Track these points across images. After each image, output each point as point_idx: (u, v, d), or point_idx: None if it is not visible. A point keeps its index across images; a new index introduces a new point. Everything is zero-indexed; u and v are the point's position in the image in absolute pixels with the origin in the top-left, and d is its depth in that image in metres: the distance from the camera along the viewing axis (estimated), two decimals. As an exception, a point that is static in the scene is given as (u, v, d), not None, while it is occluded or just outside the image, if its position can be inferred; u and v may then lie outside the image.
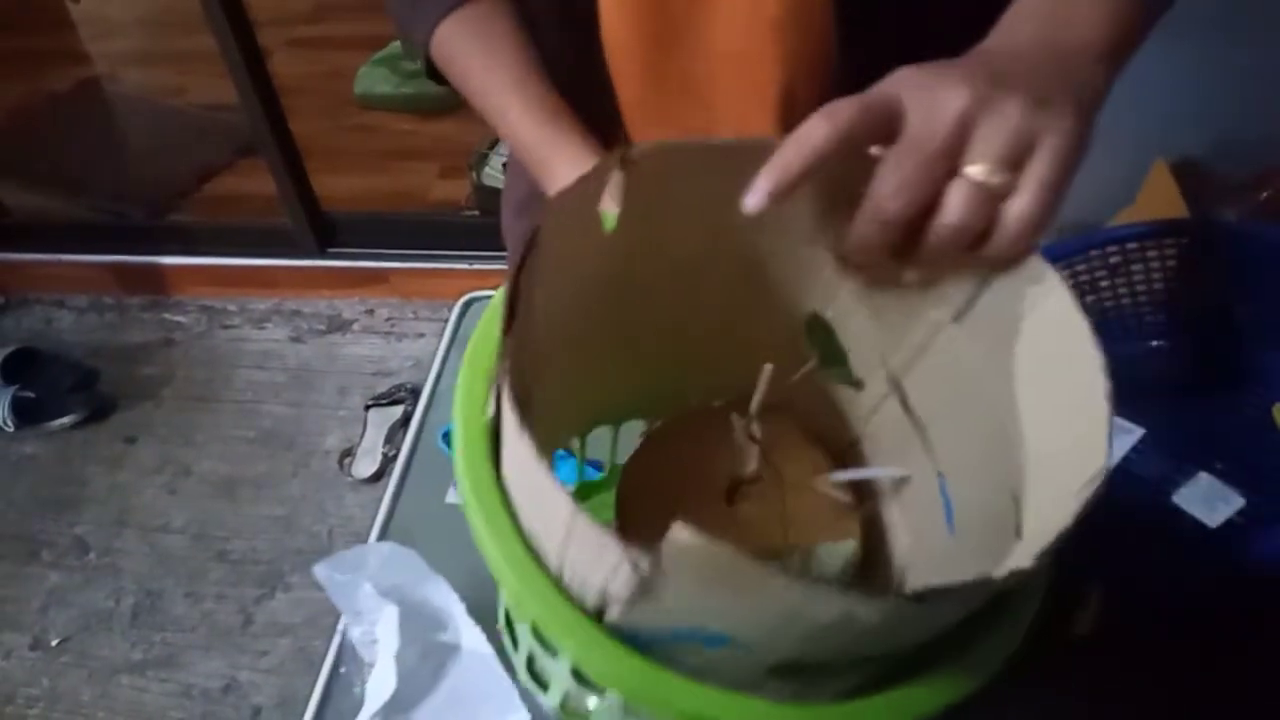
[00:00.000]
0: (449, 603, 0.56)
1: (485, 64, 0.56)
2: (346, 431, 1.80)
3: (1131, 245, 0.67)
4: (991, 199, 0.35)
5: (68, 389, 1.87)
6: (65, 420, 1.85)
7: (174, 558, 1.64)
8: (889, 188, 0.36)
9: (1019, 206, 0.35)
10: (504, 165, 1.20)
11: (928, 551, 0.48)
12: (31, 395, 1.85)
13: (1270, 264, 0.61)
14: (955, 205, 0.35)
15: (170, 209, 2.21)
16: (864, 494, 0.52)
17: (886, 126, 0.36)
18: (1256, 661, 0.51)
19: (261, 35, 1.82)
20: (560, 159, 0.53)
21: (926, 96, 0.35)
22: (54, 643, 1.55)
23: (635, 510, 0.51)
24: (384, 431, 1.74)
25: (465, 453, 0.39)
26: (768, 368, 0.49)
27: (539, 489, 0.35)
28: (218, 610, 1.56)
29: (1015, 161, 0.35)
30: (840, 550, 0.49)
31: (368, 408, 1.80)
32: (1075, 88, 0.36)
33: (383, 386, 1.84)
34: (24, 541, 1.70)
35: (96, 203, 2.22)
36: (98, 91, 2.59)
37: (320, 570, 0.54)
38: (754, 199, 0.36)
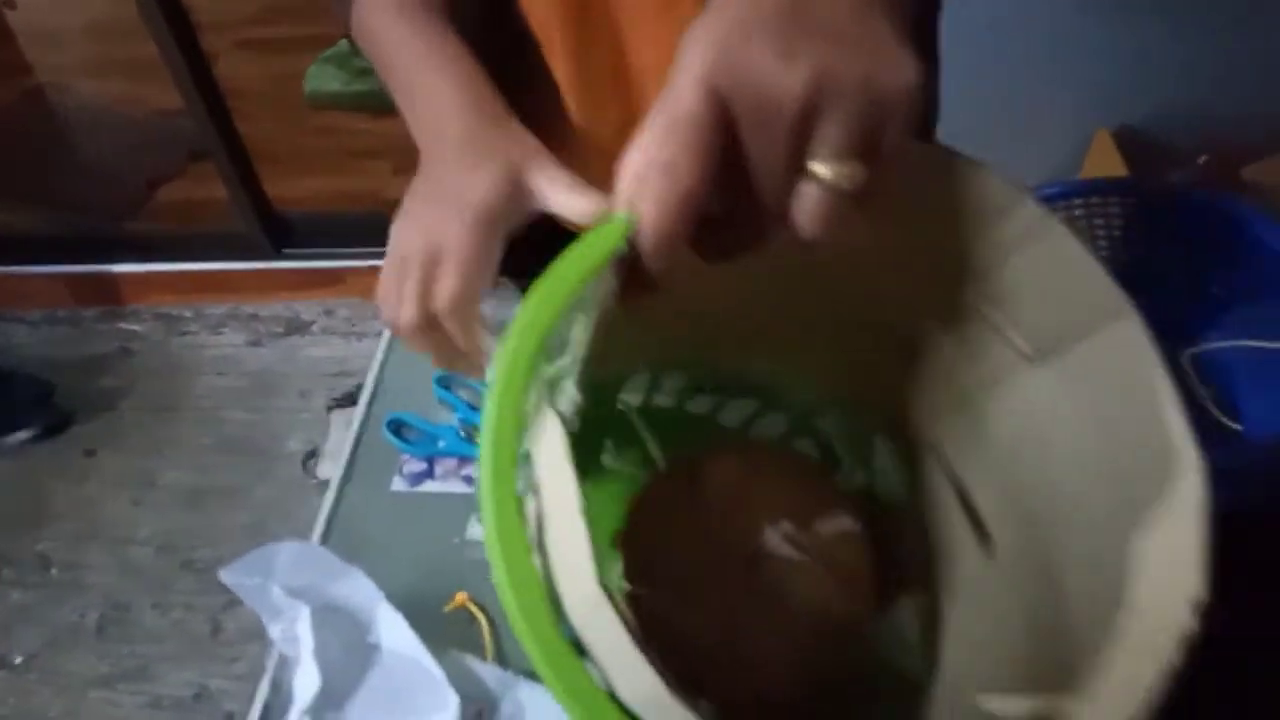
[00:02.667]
0: (369, 596, 0.56)
1: (408, 41, 0.51)
2: (310, 434, 1.78)
3: (1060, 202, 0.69)
4: (843, 195, 0.31)
5: (24, 403, 1.84)
6: (22, 435, 1.82)
7: (140, 570, 1.62)
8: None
9: (867, 187, 0.31)
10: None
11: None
12: (-15, 411, 1.82)
13: (1194, 224, 0.62)
14: (809, 212, 0.31)
15: (122, 217, 2.18)
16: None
17: (721, 149, 0.31)
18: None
19: (207, 39, 1.80)
20: (501, 138, 0.47)
21: (753, 100, 0.30)
22: (18, 660, 1.53)
23: (645, 556, 0.48)
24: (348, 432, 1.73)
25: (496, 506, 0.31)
26: None
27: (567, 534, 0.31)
28: (187, 620, 1.55)
29: (863, 147, 0.30)
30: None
31: (330, 409, 1.79)
32: (883, 10, 0.31)
33: (345, 387, 1.83)
34: (-16, 560, 1.67)
35: (47, 214, 2.18)
36: (43, 102, 2.55)
37: (227, 575, 0.53)
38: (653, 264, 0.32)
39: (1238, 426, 0.48)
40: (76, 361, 1.99)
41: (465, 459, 0.70)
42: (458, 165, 0.46)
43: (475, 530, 0.66)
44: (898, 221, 0.37)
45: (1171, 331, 0.64)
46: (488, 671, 0.56)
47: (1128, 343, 0.36)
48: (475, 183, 0.45)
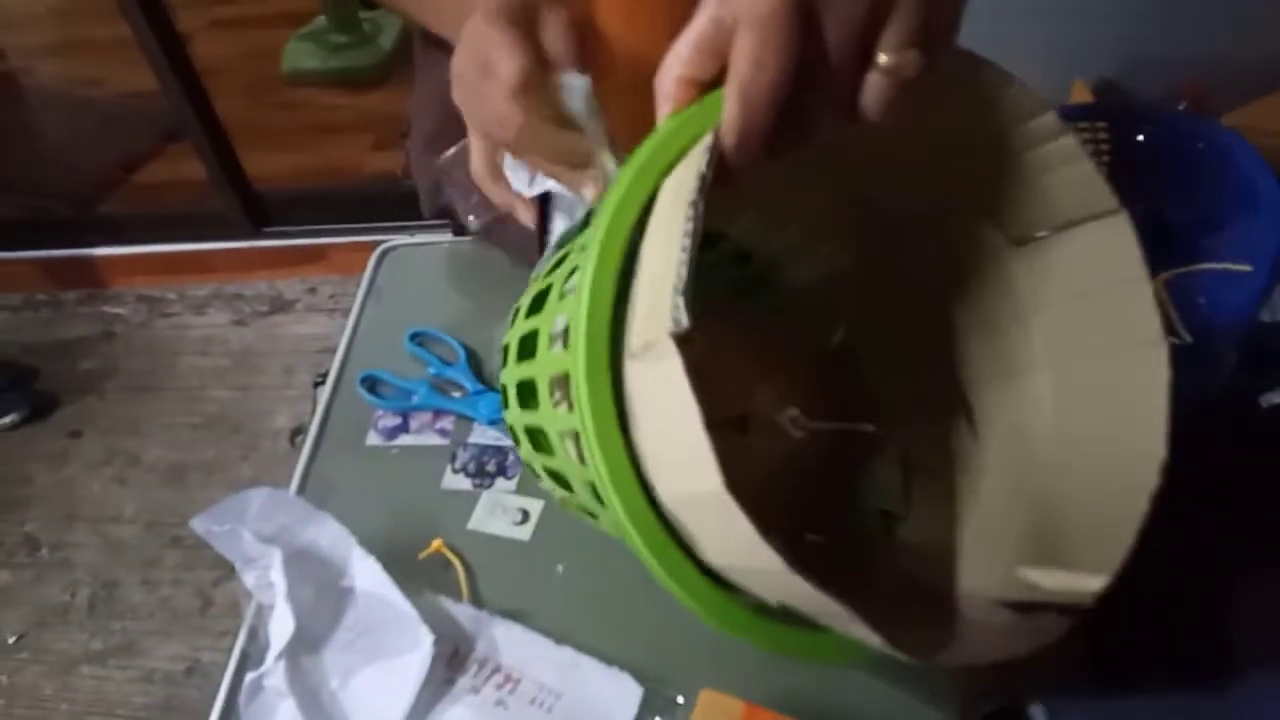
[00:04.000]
0: (341, 539, 0.56)
1: None
2: (295, 410, 1.78)
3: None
4: (906, 82, 0.34)
5: (4, 388, 1.83)
6: (5, 420, 1.82)
7: (127, 547, 1.63)
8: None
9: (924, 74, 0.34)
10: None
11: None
12: (-33, 397, 1.81)
13: (1162, 147, 0.62)
14: (876, 101, 0.34)
15: (98, 200, 2.17)
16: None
17: (801, 44, 0.33)
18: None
19: (182, 19, 1.78)
20: None
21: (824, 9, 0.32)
22: (10, 640, 1.53)
23: None
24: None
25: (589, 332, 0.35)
26: None
27: (686, 443, 0.32)
28: (175, 595, 1.55)
29: (922, 37, 0.33)
30: None
31: (316, 385, 1.78)
32: None
33: (330, 364, 1.83)
34: (-28, 544, 1.68)
35: (20, 199, 2.16)
36: (13, 86, 2.52)
37: (198, 524, 0.54)
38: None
39: (1189, 339, 0.50)
40: (59, 345, 1.99)
41: (440, 412, 0.71)
42: (480, 18, 0.49)
43: (451, 480, 0.66)
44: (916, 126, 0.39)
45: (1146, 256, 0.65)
46: (462, 612, 0.57)
47: (1112, 237, 0.39)
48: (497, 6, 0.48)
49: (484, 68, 0.48)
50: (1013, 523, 0.42)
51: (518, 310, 0.49)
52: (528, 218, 0.57)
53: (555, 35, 0.48)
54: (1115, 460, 0.37)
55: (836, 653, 0.38)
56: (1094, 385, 0.40)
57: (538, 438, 0.46)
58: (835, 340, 0.55)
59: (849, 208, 0.49)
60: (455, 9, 0.55)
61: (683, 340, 0.31)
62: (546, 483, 0.49)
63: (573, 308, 0.36)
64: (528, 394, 0.45)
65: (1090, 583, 0.35)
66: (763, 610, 0.37)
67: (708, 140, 0.34)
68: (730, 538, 0.32)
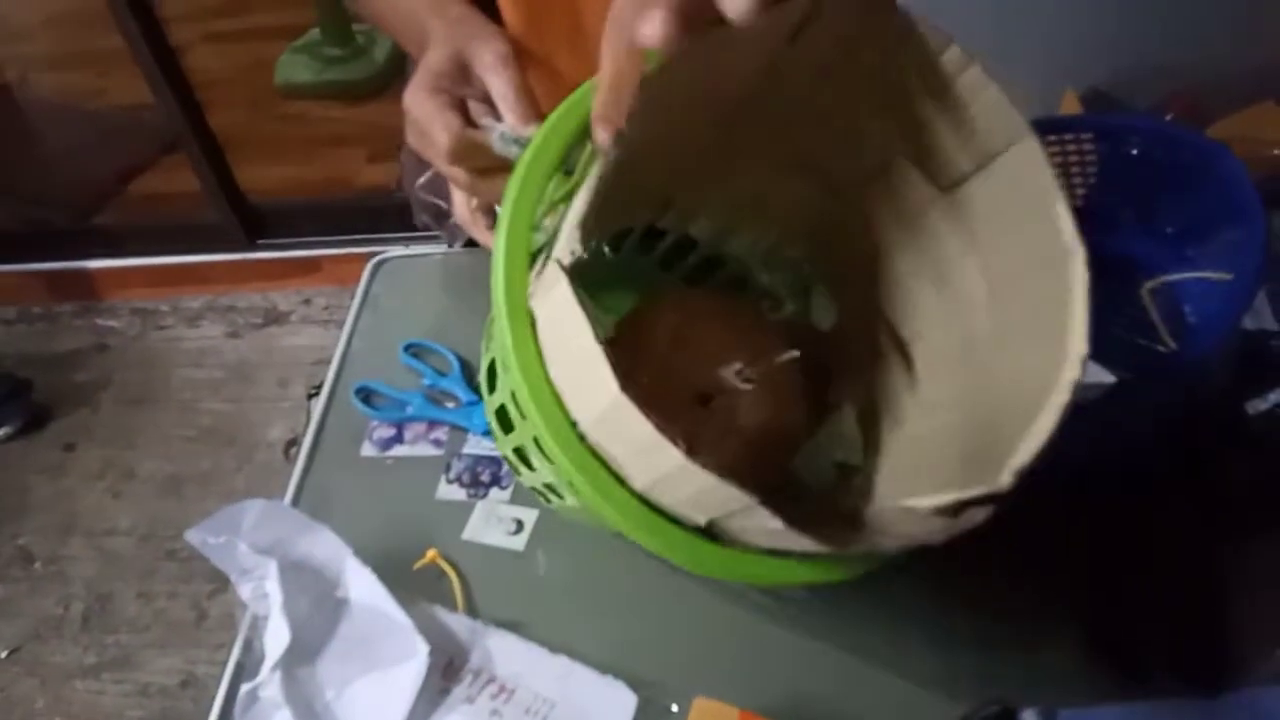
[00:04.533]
0: (336, 551, 0.56)
1: None
2: (290, 422, 1.78)
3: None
4: None
5: (0, 400, 1.83)
6: (0, 432, 1.82)
7: (122, 560, 1.62)
8: None
9: None
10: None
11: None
12: (-38, 410, 1.81)
13: (1150, 159, 0.63)
14: None
15: (93, 212, 2.17)
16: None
17: None
18: (1130, 518, 0.54)
19: (177, 31, 1.79)
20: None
21: None
22: (4, 654, 1.52)
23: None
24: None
25: (507, 264, 0.41)
26: None
27: (582, 359, 0.36)
28: (170, 608, 1.55)
29: None
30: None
31: (311, 397, 1.78)
32: None
33: (324, 375, 1.83)
34: (-34, 557, 1.67)
35: (16, 211, 2.16)
36: (8, 98, 2.52)
37: (193, 535, 0.54)
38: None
39: (1174, 346, 0.50)
40: (53, 357, 1.99)
41: (434, 423, 0.71)
42: (412, 89, 0.55)
43: (445, 490, 0.66)
44: (839, 72, 0.43)
45: (1132, 266, 0.66)
46: (457, 622, 0.57)
47: (1026, 161, 0.41)
48: (427, 59, 0.55)
49: (422, 136, 0.53)
50: (951, 449, 0.45)
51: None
52: None
53: (477, 95, 0.53)
54: (1045, 364, 0.39)
55: (763, 569, 0.41)
56: (1025, 300, 0.42)
57: (504, 418, 0.47)
58: (790, 310, 0.58)
59: (799, 177, 0.52)
60: (416, 34, 0.58)
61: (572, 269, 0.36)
62: (516, 470, 0.50)
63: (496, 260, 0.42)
64: (491, 376, 0.48)
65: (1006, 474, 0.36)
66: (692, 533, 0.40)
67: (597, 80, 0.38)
68: (636, 443, 0.35)
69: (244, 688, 0.53)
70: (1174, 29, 1.42)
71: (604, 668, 0.54)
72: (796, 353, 0.54)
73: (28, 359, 1.97)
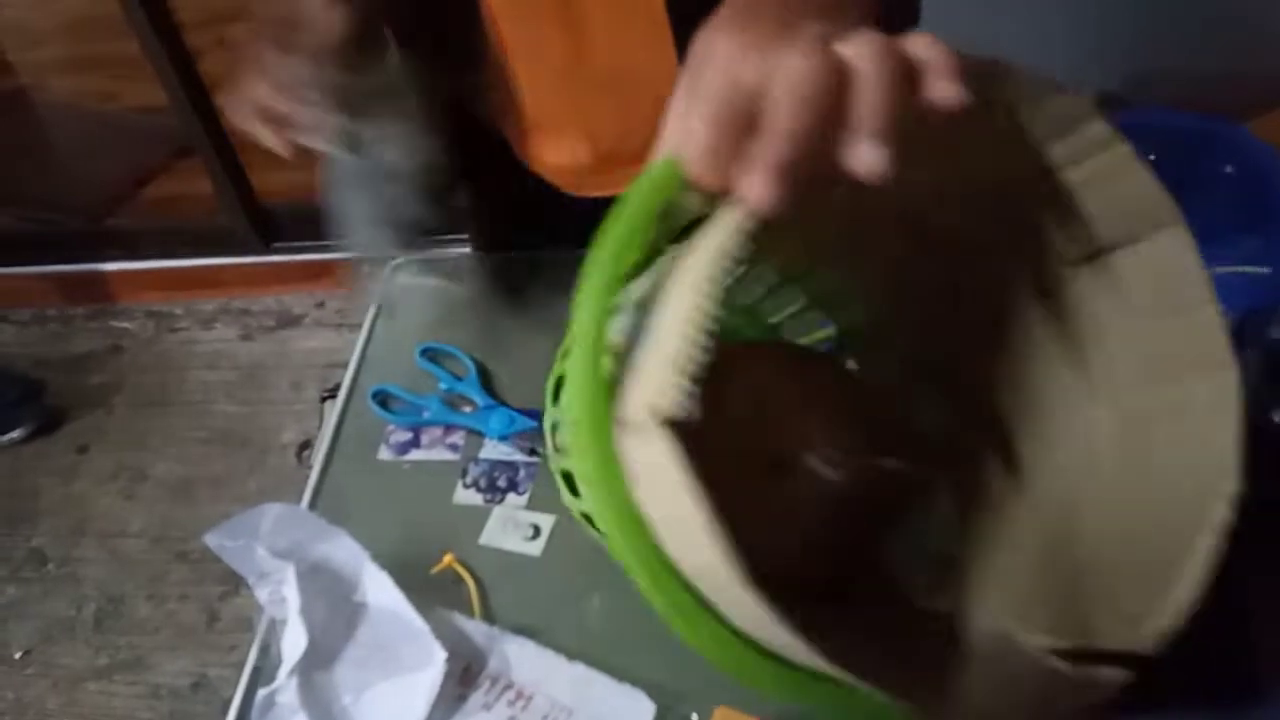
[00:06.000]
0: (354, 555, 0.56)
1: None
2: (303, 425, 1.78)
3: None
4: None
5: (13, 402, 1.84)
6: (14, 434, 1.82)
7: (134, 562, 1.63)
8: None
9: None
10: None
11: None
12: (-24, 411, 1.82)
13: (1177, 152, 0.62)
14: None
15: (108, 215, 2.18)
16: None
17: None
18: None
19: (193, 36, 1.80)
20: None
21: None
22: (17, 655, 1.53)
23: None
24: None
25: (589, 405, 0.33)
26: None
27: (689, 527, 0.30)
28: (182, 610, 1.55)
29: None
30: None
31: (324, 400, 1.79)
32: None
33: (337, 378, 1.82)
34: (-21, 558, 1.68)
35: (30, 213, 2.18)
36: (25, 101, 2.54)
37: (211, 539, 0.54)
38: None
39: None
40: (67, 360, 1.99)
41: (450, 427, 0.71)
42: None
43: (462, 495, 0.66)
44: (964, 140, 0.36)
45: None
46: (475, 628, 0.57)
47: (1173, 251, 0.36)
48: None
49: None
50: (1051, 574, 0.39)
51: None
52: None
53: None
54: (1178, 493, 0.34)
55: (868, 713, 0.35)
56: (1157, 413, 0.36)
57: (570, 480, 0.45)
58: (881, 377, 0.53)
59: (895, 225, 0.45)
60: None
61: (679, 424, 0.29)
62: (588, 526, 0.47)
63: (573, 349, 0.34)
64: (557, 392, 0.45)
65: (1150, 626, 0.31)
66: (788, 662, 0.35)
67: (735, 215, 0.31)
68: (742, 614, 0.31)
69: (261, 692, 0.53)
70: (1188, 33, 1.42)
71: (623, 676, 0.54)
72: (899, 463, 0.47)
73: (41, 361, 1.98)
